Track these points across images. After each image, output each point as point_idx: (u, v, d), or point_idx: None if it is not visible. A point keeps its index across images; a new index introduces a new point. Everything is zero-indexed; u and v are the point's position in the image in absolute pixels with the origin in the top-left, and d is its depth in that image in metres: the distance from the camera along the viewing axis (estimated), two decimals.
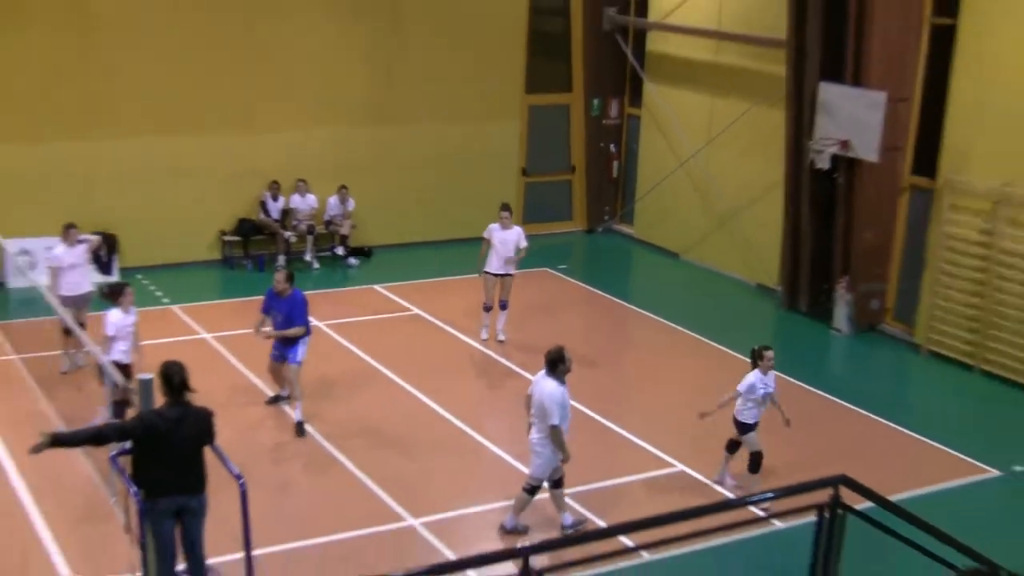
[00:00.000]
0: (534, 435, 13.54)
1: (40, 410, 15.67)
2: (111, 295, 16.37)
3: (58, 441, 10.39)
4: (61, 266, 17.78)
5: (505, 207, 20.19)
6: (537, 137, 27.35)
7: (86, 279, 18.04)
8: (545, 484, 13.75)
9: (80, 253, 17.89)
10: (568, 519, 13.82)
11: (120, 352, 15.60)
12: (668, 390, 18.60)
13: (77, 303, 17.80)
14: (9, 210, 20.05)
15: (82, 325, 17.61)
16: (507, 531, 13.86)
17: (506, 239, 19.80)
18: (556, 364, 13.48)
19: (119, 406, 13.41)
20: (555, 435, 13.31)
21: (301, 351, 16.37)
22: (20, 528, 13.66)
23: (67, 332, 17.59)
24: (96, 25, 22.36)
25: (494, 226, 19.90)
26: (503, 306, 20.01)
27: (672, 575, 13.08)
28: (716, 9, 24.20)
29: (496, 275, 19.84)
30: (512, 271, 19.97)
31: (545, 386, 13.39)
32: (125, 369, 15.38)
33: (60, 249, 17.77)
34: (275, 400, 17.17)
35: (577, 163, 27.87)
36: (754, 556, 13.52)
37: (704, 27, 24.40)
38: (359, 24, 24.58)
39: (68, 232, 17.77)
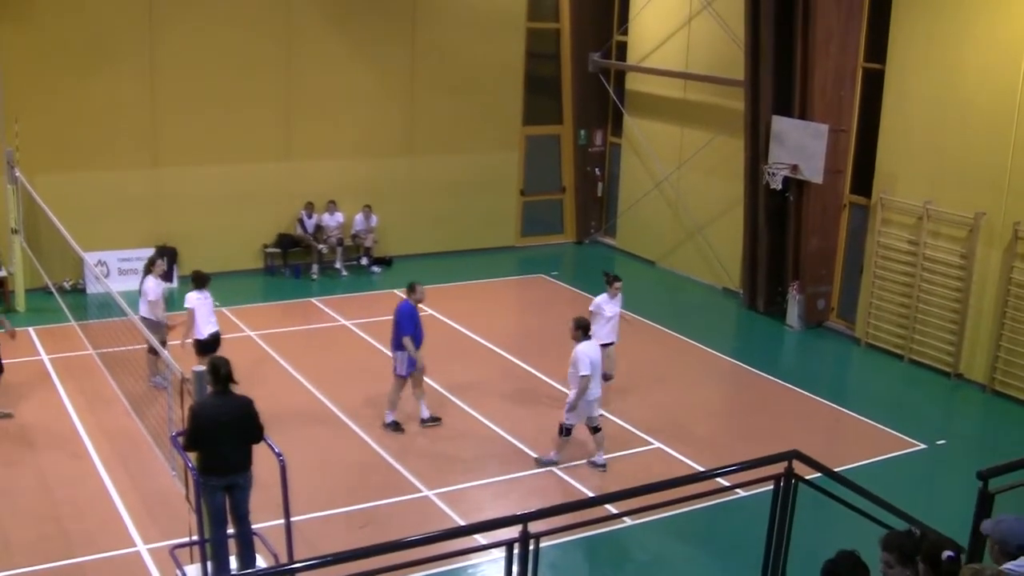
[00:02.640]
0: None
1: (113, 395, 15.72)
2: (195, 279, 16.55)
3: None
4: (154, 298, 17.15)
5: (617, 277, 17.19)
6: (533, 162, 27.36)
7: (159, 308, 17.32)
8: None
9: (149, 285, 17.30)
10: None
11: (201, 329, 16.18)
12: (643, 378, 18.58)
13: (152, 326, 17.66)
14: (89, 226, 20.02)
15: (164, 342, 17.60)
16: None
17: (616, 308, 17.17)
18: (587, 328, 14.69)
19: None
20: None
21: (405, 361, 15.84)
22: (98, 497, 13.73)
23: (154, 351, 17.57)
24: (161, 68, 22.44)
25: (602, 299, 17.06)
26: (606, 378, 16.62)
27: (651, 538, 13.12)
28: (684, 54, 24.23)
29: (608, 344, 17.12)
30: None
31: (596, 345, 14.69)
32: (208, 343, 16.07)
33: (151, 280, 17.11)
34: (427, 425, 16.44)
35: (567, 184, 27.88)
36: (720, 521, 13.57)
37: (674, 69, 24.42)
38: (382, 67, 24.63)
39: (158, 264, 17.51)
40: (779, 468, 8.80)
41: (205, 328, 16.37)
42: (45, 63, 21.61)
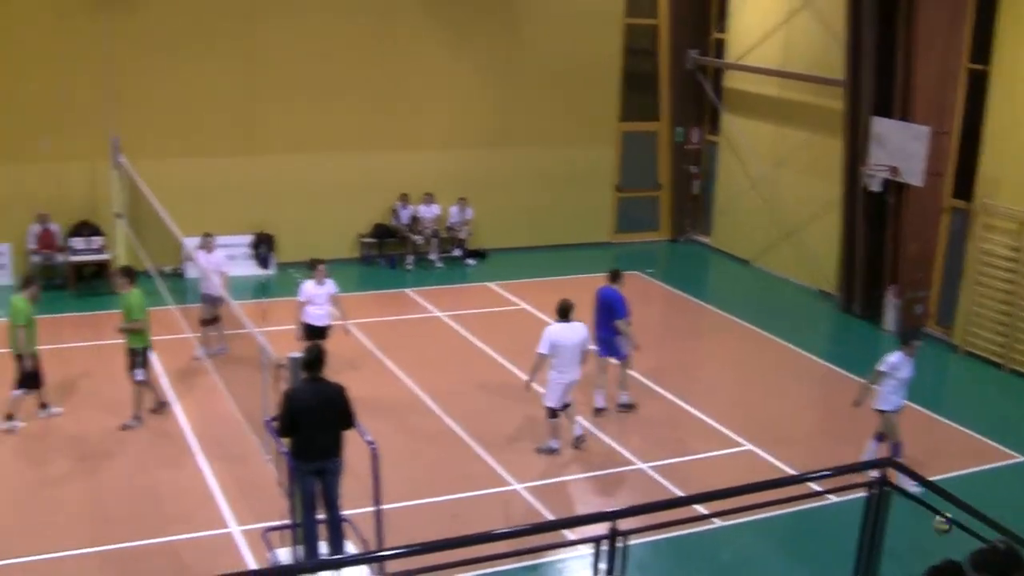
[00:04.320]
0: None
1: (211, 378, 15.98)
2: (312, 266, 16.82)
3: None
4: (202, 268, 18.00)
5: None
6: (629, 158, 27.25)
7: (215, 284, 17.78)
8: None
9: (214, 260, 17.95)
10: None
11: (312, 316, 16.46)
12: (737, 379, 18.44)
13: (207, 300, 18.09)
14: (189, 211, 20.31)
15: (216, 319, 17.94)
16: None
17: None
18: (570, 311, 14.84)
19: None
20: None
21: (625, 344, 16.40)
22: (194, 478, 13.97)
23: (205, 323, 18.04)
24: (260, 57, 22.83)
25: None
26: None
27: (740, 540, 12.98)
28: (783, 52, 23.95)
29: None
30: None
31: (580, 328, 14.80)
32: (317, 330, 16.33)
33: (201, 254, 17.95)
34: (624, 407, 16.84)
35: (663, 181, 27.72)
36: (810, 526, 13.39)
37: (773, 67, 24.16)
38: (480, 59, 24.71)
39: (206, 241, 17.93)
40: (873, 475, 8.66)
41: (317, 318, 16.61)
42: (150, 51, 22.02)
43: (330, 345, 11.39)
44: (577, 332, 14.75)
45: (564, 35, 25.39)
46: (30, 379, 15.33)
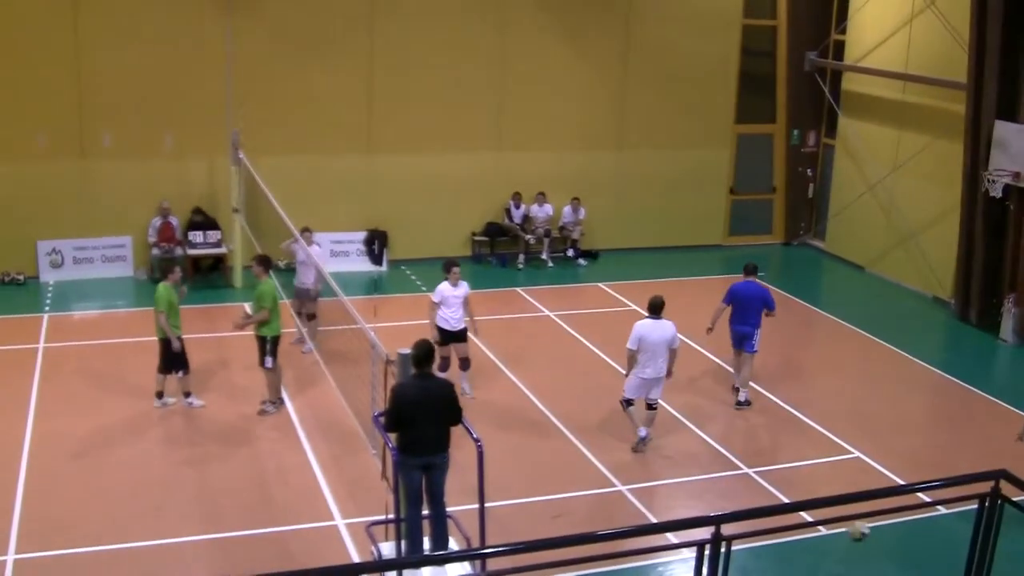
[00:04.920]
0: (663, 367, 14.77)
1: (321, 372, 16.17)
2: (447, 268, 16.63)
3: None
4: (298, 260, 18.27)
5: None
6: (744, 161, 26.99)
7: (311, 275, 18.19)
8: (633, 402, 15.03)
9: (305, 254, 18.01)
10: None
11: (446, 319, 16.31)
12: (848, 385, 18.14)
13: (300, 295, 18.29)
14: (305, 208, 20.58)
15: (312, 316, 18.13)
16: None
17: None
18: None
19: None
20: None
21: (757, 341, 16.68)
22: (301, 471, 14.18)
23: (310, 317, 18.26)
24: (378, 58, 23.15)
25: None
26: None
27: (846, 549, 12.77)
28: (904, 54, 23.49)
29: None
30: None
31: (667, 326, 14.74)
32: (452, 334, 16.30)
33: (297, 247, 18.13)
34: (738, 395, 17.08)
35: (778, 184, 27.40)
36: (918, 537, 13.11)
37: (893, 70, 23.71)
38: (594, 60, 24.69)
39: (304, 235, 18.11)
40: (984, 487, 8.44)
41: (451, 322, 16.47)
42: (272, 50, 22.41)
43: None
44: (665, 329, 14.71)
45: (680, 36, 25.24)
46: (175, 361, 15.87)
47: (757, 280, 16.83)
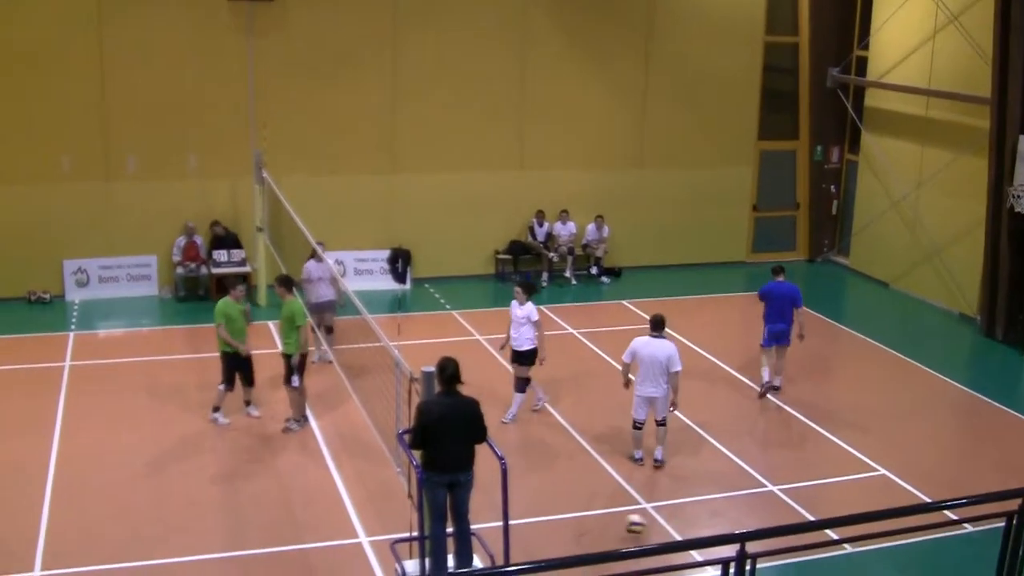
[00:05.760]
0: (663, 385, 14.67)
1: (344, 390, 16.19)
2: (525, 288, 16.54)
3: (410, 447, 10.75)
4: (311, 279, 18.27)
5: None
6: (767, 177, 26.92)
7: (329, 290, 18.27)
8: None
9: (326, 268, 18.03)
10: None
11: (513, 340, 16.27)
12: (873, 402, 18.03)
13: (321, 309, 18.29)
14: (329, 227, 20.63)
15: (329, 328, 18.15)
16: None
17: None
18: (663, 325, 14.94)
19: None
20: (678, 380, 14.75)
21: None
22: (325, 488, 14.19)
23: (318, 329, 18.26)
24: (401, 78, 23.22)
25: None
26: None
27: (872, 567, 12.69)
28: (927, 70, 23.41)
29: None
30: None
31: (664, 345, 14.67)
32: (523, 355, 16.22)
33: (311, 264, 18.20)
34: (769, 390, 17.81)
35: (801, 200, 27.32)
36: (944, 555, 13.02)
37: (916, 85, 23.64)
38: (615, 78, 24.71)
39: (318, 248, 18.15)
40: (1012, 505, 8.36)
41: (529, 340, 16.32)
42: (295, 71, 22.52)
43: (464, 359, 11.34)
44: (661, 348, 14.66)
45: (702, 54, 25.22)
46: (234, 374, 16.14)
47: (782, 278, 17.76)
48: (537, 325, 16.22)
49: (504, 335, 16.57)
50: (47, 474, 14.40)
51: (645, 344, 14.66)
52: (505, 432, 15.42)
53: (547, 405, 16.99)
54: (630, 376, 15.01)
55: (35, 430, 15.76)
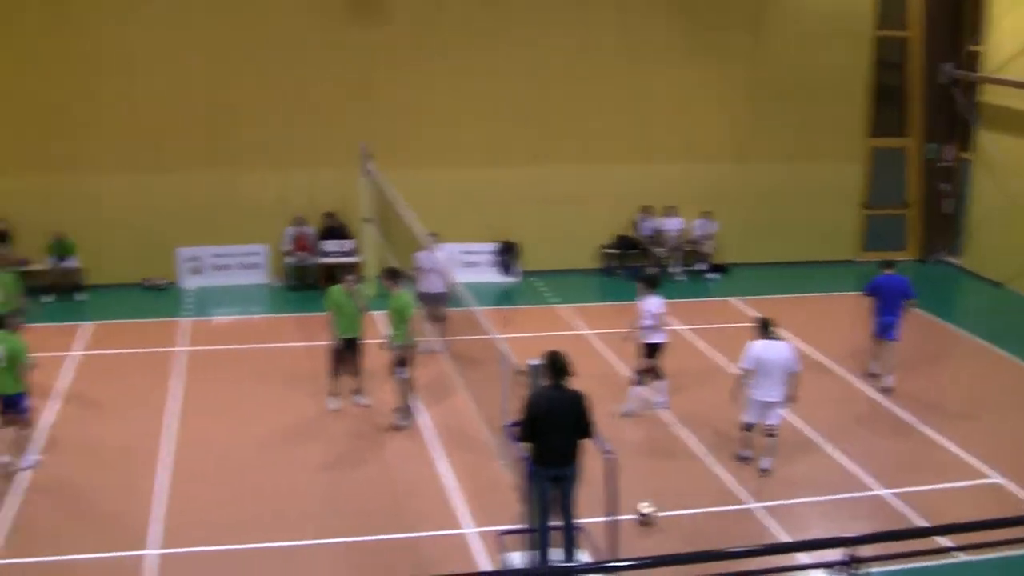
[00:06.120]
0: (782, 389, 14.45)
1: (453, 382, 16.32)
2: (648, 281, 16.58)
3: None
4: (422, 268, 18.52)
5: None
6: (878, 175, 26.50)
7: (439, 281, 18.46)
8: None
9: (436, 260, 18.23)
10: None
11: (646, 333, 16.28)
12: (986, 407, 17.64)
13: (430, 299, 18.50)
14: (436, 219, 20.75)
15: (439, 318, 18.34)
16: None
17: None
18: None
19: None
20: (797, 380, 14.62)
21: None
22: (432, 479, 14.34)
23: (427, 319, 18.43)
24: (504, 71, 23.41)
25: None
26: None
27: None
28: None
29: None
30: None
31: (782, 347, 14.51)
32: (655, 348, 16.30)
33: (423, 253, 18.36)
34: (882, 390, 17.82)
35: (912, 199, 26.85)
36: None
37: None
38: (723, 72, 24.52)
39: (429, 239, 18.31)
40: None
41: (660, 333, 16.38)
42: (403, 63, 22.77)
43: (569, 353, 11.37)
44: (780, 351, 14.43)
45: (811, 48, 24.89)
46: (340, 362, 16.50)
47: (893, 272, 17.81)
48: (655, 318, 16.17)
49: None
50: (162, 456, 14.80)
51: (765, 348, 14.41)
52: (613, 428, 15.40)
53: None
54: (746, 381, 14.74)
55: (150, 413, 16.18)
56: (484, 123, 23.51)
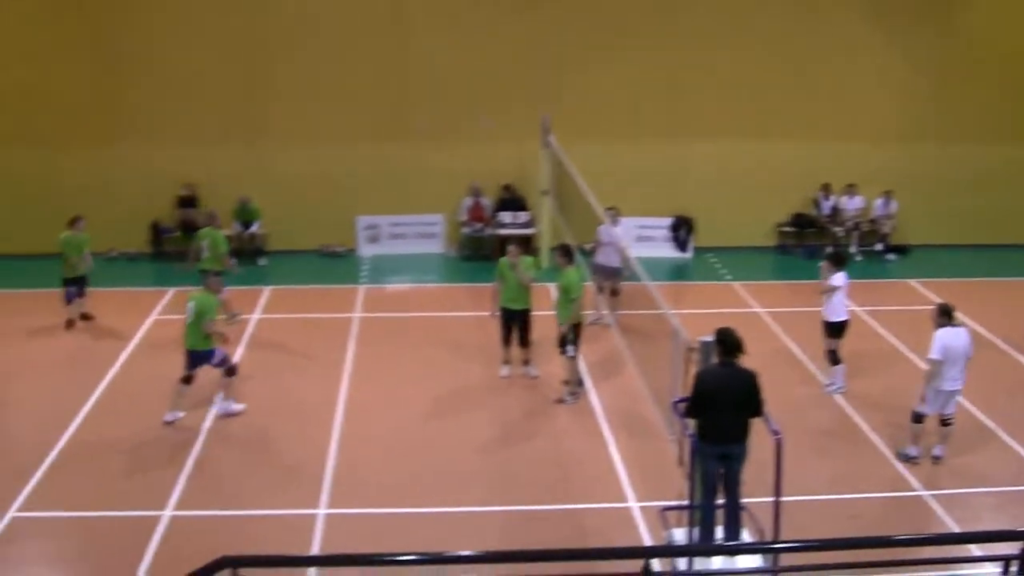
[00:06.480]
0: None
1: (623, 356, 16.31)
2: (834, 259, 16.33)
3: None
4: (601, 241, 18.57)
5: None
6: None
7: (616, 256, 18.43)
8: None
9: (614, 233, 18.15)
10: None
11: (833, 310, 16.05)
12: None
13: (605, 272, 18.57)
14: (611, 192, 20.65)
15: (614, 292, 18.43)
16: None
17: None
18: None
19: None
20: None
21: None
22: (599, 451, 14.37)
23: (600, 292, 18.64)
24: (680, 44, 23.24)
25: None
26: None
27: None
28: None
29: None
30: None
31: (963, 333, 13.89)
32: (838, 326, 16.05)
33: (604, 227, 18.37)
34: None
35: None
36: None
37: None
38: (913, 49, 23.78)
39: (610, 214, 18.25)
40: None
41: (843, 311, 16.17)
42: (583, 36, 22.82)
43: (741, 331, 11.20)
44: (962, 337, 13.87)
45: (1010, 25, 23.92)
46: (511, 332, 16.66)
47: None
48: (837, 292, 15.90)
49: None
50: (335, 418, 15.19)
51: (954, 336, 13.91)
52: (781, 406, 15.15)
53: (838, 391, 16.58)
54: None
55: (325, 376, 16.63)
56: (662, 95, 23.34)
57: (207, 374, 15.24)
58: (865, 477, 13.86)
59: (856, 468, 14.14)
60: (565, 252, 16.11)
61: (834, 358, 16.29)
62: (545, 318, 16.83)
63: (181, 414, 14.99)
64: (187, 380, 15.02)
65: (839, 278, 15.91)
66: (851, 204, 23.82)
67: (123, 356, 17.56)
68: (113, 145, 22.78)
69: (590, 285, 18.28)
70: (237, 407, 15.30)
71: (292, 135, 22.88)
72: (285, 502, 12.91)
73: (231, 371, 15.28)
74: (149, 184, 22.98)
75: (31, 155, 22.66)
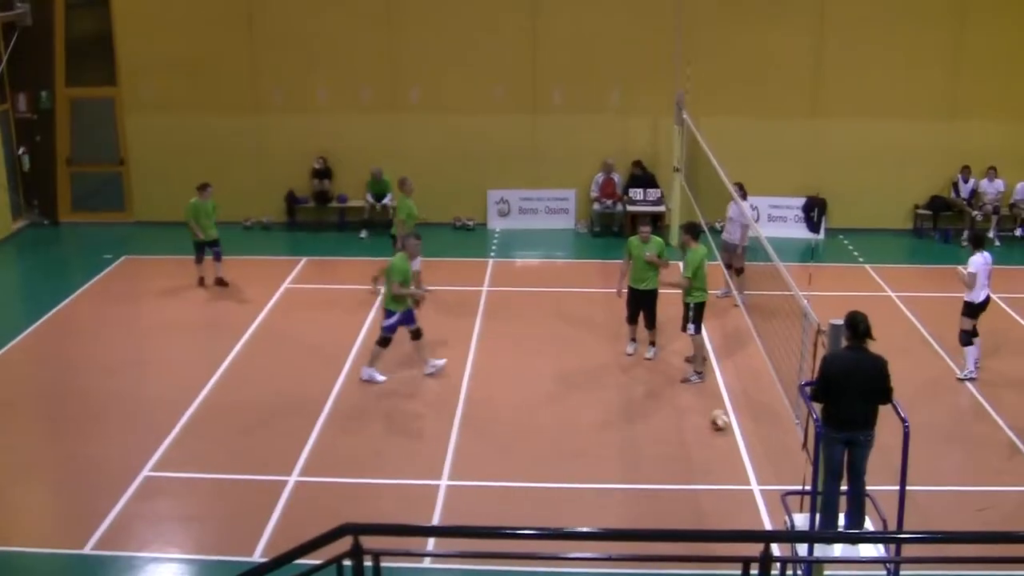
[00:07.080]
0: None
1: (750, 335, 16.15)
2: (975, 240, 16.18)
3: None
4: (731, 217, 18.70)
5: None
6: None
7: (738, 232, 18.47)
8: None
9: (738, 210, 17.99)
10: None
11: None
12: None
13: (728, 248, 18.66)
14: (744, 170, 20.35)
15: (739, 270, 18.56)
16: None
17: None
18: None
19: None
20: None
21: None
22: (723, 435, 14.25)
23: (729, 268, 18.65)
24: (829, 21, 22.85)
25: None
26: None
27: None
28: None
29: None
30: None
31: None
32: (978, 307, 15.78)
33: (733, 204, 18.23)
34: None
35: None
36: None
37: None
38: None
39: (738, 191, 18.08)
40: None
41: (981, 291, 15.82)
42: (720, 11, 22.52)
43: (872, 315, 10.97)
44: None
45: None
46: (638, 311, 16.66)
47: None
48: (971, 276, 15.59)
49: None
50: (460, 390, 15.39)
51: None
52: (909, 394, 14.86)
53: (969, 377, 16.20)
54: None
55: (453, 347, 16.78)
56: (801, 73, 23.03)
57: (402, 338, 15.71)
58: (996, 468, 13.55)
59: (986, 460, 13.82)
60: (691, 230, 16.07)
61: (966, 339, 15.91)
62: (674, 297, 16.75)
63: (380, 377, 15.58)
64: (382, 343, 15.54)
65: (977, 261, 15.53)
66: (991, 187, 23.17)
67: (255, 323, 17.99)
68: (259, 115, 23.42)
69: (717, 264, 18.17)
70: (380, 377, 15.61)
71: (426, 108, 23.11)
72: (408, 472, 13.11)
73: (383, 341, 15.59)
74: (287, 154, 23.49)
75: (188, 122, 23.51)
